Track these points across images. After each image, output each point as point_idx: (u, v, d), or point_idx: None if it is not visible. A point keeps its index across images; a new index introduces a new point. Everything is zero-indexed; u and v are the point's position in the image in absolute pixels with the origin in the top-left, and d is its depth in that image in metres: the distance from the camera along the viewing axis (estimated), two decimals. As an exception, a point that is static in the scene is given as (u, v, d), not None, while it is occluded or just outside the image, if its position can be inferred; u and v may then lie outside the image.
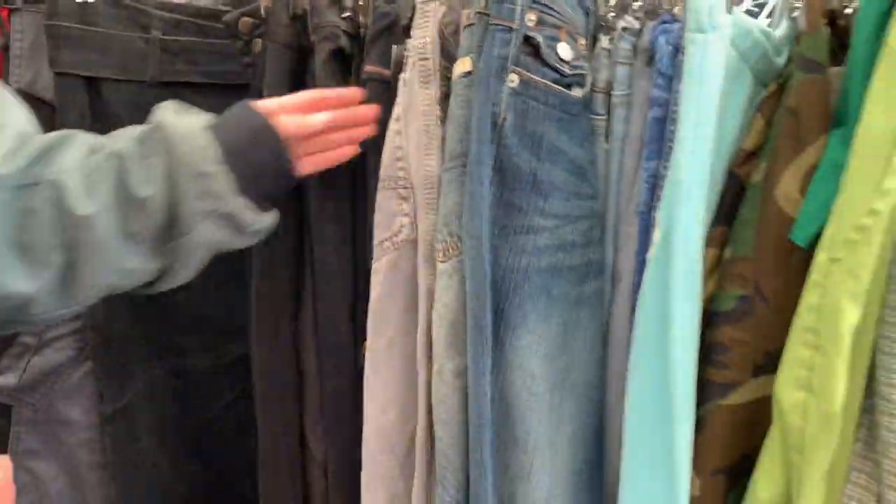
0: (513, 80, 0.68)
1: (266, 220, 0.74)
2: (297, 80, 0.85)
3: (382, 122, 0.81)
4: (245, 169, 0.70)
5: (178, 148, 0.66)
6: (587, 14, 0.74)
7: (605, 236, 0.75)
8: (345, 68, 0.84)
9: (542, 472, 0.73)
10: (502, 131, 0.68)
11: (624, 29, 0.71)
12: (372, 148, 0.81)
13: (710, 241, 0.67)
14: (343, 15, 0.82)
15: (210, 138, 0.68)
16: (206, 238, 0.69)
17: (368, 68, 0.82)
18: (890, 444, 0.60)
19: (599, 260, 0.74)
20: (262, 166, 0.71)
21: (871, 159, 0.56)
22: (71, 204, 0.62)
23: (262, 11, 0.83)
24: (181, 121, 0.69)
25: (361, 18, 0.83)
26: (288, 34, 0.83)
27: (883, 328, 0.60)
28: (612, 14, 0.73)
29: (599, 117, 0.74)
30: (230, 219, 0.69)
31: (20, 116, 0.65)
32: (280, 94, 0.81)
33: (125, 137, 0.68)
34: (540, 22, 0.69)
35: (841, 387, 0.56)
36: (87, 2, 0.90)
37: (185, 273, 0.71)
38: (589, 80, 0.72)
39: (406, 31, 0.81)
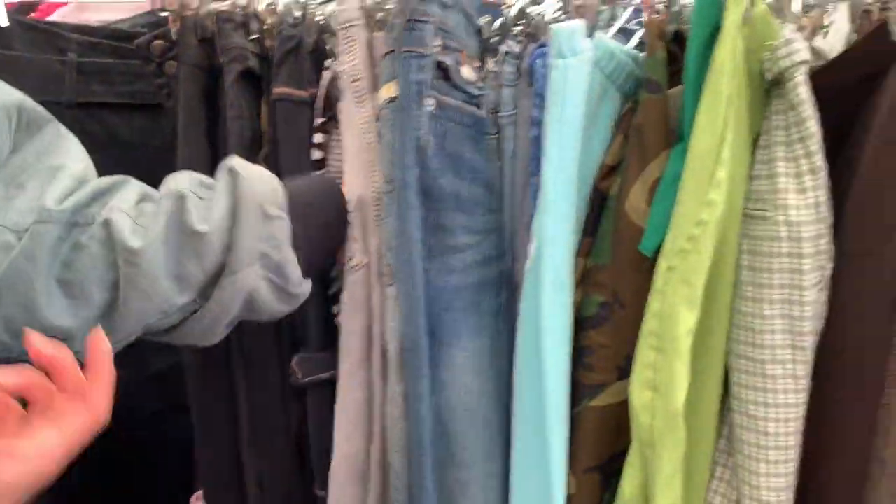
0: (430, 104, 0.72)
1: (307, 286, 0.72)
2: (210, 99, 0.89)
3: (299, 143, 0.85)
4: (305, 225, 0.70)
5: (248, 186, 0.65)
6: (478, 37, 0.78)
7: (507, 248, 0.78)
8: (255, 88, 0.88)
9: (477, 485, 0.76)
10: (426, 154, 0.72)
11: (506, 53, 0.75)
12: (286, 170, 0.83)
13: (579, 252, 0.71)
14: (250, 38, 0.86)
15: (279, 184, 0.68)
16: (250, 284, 0.65)
17: (278, 90, 0.86)
18: (742, 441, 0.64)
19: (508, 270, 0.77)
20: (320, 228, 0.73)
21: (699, 173, 0.61)
22: (121, 238, 0.60)
23: (173, 34, 0.86)
24: (252, 166, 0.68)
25: (268, 41, 0.87)
26: (198, 56, 0.87)
27: (732, 332, 0.64)
28: (496, 38, 0.77)
29: (492, 136, 0.77)
30: (278, 270, 0.67)
31: (79, 161, 0.64)
32: (195, 113, 0.85)
33: (186, 178, 0.66)
34: (445, 47, 0.73)
35: (681, 387, 0.60)
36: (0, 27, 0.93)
37: (213, 320, 0.66)
38: (487, 99, 0.76)
39: (313, 54, 0.85)
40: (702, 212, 0.59)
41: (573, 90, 0.66)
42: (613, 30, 0.74)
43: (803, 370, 0.62)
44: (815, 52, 0.67)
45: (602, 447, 0.70)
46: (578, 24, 0.67)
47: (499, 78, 0.76)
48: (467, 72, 0.75)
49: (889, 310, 0.61)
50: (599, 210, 0.70)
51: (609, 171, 0.69)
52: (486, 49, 0.78)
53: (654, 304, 0.62)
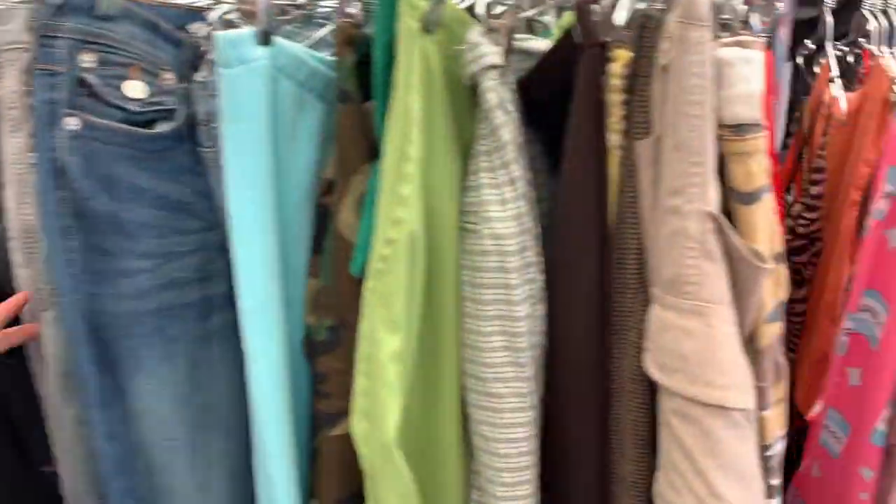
0: (72, 123, 0.66)
1: None
2: None
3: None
4: None
5: None
6: (178, 47, 0.70)
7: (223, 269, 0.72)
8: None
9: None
10: (70, 176, 0.66)
11: (213, 62, 0.67)
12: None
13: (309, 272, 0.66)
14: None
15: None
16: None
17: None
18: (480, 463, 0.62)
19: (226, 292, 0.71)
20: None
21: (387, 190, 0.57)
22: None
23: None
24: None
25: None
26: None
27: (462, 351, 0.60)
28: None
29: (208, 149, 0.71)
30: None
31: None
32: None
33: None
34: (102, 62, 0.67)
35: (391, 416, 0.57)
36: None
37: None
38: (181, 113, 0.70)
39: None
40: (389, 230, 0.56)
41: (247, 102, 0.60)
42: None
43: (527, 387, 0.60)
44: (527, 53, 0.63)
45: (350, 477, 0.66)
46: (246, 32, 0.62)
47: (208, 88, 0.69)
48: (132, 88, 0.69)
49: (596, 321, 0.60)
50: (324, 227, 0.66)
51: (329, 186, 0.65)
52: (197, 58, 0.71)
53: (362, 326, 0.58)
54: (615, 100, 0.58)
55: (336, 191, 0.63)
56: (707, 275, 0.53)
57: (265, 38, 0.61)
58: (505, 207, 0.58)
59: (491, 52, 0.57)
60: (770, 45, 0.62)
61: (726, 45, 0.53)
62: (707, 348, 0.54)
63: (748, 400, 0.55)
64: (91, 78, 0.66)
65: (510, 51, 0.59)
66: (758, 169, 0.54)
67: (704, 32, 0.51)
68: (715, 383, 0.54)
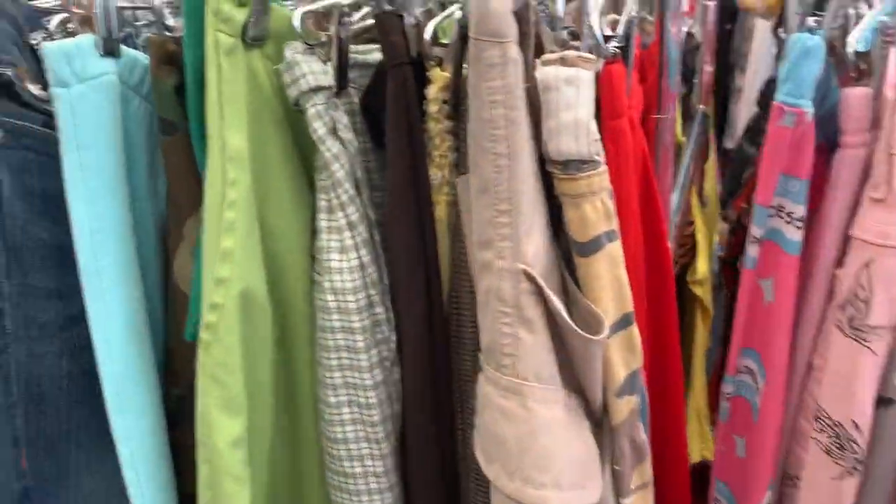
0: None
1: None
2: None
3: None
4: None
5: None
6: (32, 53, 0.61)
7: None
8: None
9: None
10: (1, 198, 0.54)
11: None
12: None
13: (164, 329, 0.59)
14: None
15: None
16: None
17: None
18: None
19: None
20: None
21: (209, 242, 0.49)
22: None
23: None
24: None
25: None
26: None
27: (318, 424, 0.54)
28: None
29: None
30: None
31: None
32: None
33: None
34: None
35: None
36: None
37: None
38: None
39: None
40: (213, 293, 0.48)
41: (91, 127, 0.53)
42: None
43: (383, 466, 0.52)
44: (369, 66, 0.55)
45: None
46: (85, 40, 0.53)
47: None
48: (37, 89, 0.58)
49: (430, 390, 0.51)
50: (168, 277, 0.58)
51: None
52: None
53: (197, 407, 0.50)
54: (436, 129, 0.49)
55: (170, 237, 0.56)
56: (524, 345, 0.43)
57: (109, 48, 0.53)
58: (344, 256, 0.50)
59: (312, 72, 0.49)
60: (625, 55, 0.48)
61: (547, 62, 0.42)
62: (526, 435, 0.44)
63: (581, 499, 0.44)
64: (3, 73, 0.56)
65: (345, 66, 0.52)
66: (594, 214, 0.44)
67: (504, 49, 0.41)
68: (533, 480, 0.44)
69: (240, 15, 0.50)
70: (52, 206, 0.56)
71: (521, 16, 0.41)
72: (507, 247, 0.43)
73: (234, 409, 0.50)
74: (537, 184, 0.45)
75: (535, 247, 0.43)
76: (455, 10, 0.51)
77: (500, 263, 0.43)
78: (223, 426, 0.49)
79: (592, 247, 0.44)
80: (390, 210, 0.50)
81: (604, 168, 0.44)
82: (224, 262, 0.48)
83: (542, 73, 0.43)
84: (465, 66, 0.47)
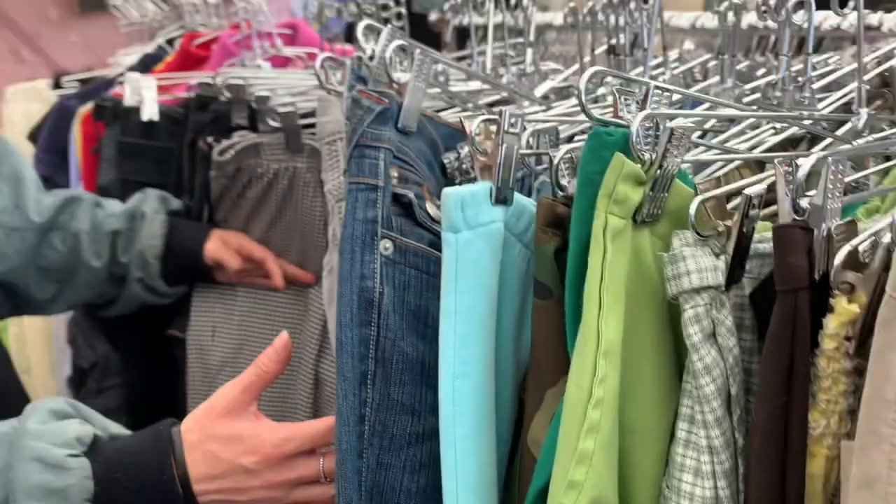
0: (387, 247, 0.58)
1: None
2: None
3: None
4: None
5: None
6: (444, 174, 0.67)
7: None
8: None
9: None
10: (380, 311, 0.57)
11: None
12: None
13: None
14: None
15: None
16: None
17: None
18: None
19: None
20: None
21: (566, 438, 0.46)
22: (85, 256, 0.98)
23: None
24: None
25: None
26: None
27: None
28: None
29: None
30: None
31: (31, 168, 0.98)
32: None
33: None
34: (402, 179, 0.61)
35: None
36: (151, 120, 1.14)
37: None
38: None
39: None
40: (564, 496, 0.44)
41: (471, 273, 0.54)
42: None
43: None
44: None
45: None
46: (481, 189, 0.55)
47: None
48: (433, 208, 0.62)
49: None
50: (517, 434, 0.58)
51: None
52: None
53: None
54: (830, 369, 0.40)
55: (528, 401, 0.55)
56: None
57: (502, 197, 0.54)
58: (698, 482, 0.45)
59: (698, 270, 0.45)
60: None
61: None
62: None
63: None
64: (407, 194, 0.59)
65: (741, 262, 0.46)
66: None
67: None
68: None
69: (635, 195, 0.47)
70: (422, 324, 0.59)
71: None
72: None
73: None
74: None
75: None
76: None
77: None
78: None
79: None
80: (752, 451, 0.44)
81: None
82: (580, 465, 0.45)
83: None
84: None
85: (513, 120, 0.54)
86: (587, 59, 0.83)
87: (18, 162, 1.02)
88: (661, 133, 0.47)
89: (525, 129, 0.58)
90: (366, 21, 0.69)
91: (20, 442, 0.61)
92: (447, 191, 0.54)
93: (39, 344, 1.57)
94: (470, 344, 0.54)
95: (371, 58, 0.66)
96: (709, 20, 0.84)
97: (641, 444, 0.50)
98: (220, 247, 1.02)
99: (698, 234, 0.47)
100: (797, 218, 0.44)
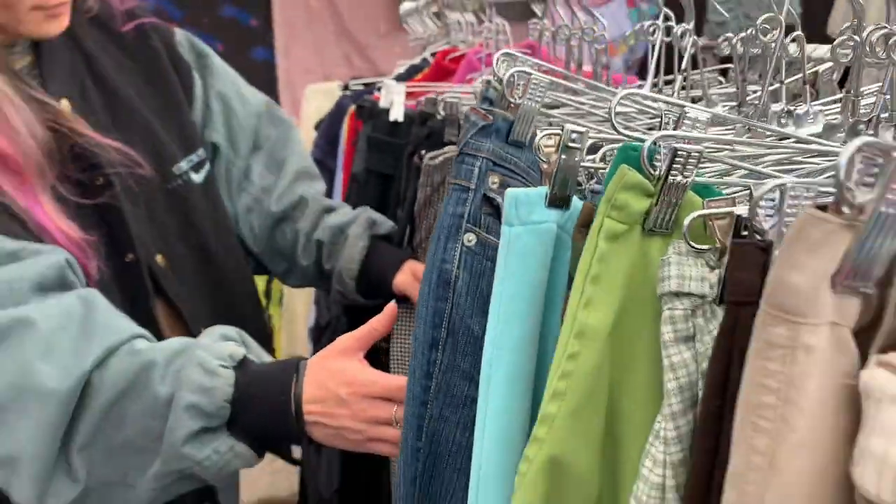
0: (470, 239, 0.70)
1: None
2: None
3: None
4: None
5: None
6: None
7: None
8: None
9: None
10: (455, 291, 0.69)
11: None
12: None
13: None
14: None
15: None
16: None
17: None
18: None
19: None
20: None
21: (543, 404, 0.54)
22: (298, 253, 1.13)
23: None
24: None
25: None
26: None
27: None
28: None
29: None
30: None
31: (299, 158, 1.22)
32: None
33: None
34: (502, 185, 0.70)
35: None
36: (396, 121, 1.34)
37: None
38: None
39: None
40: (528, 447, 0.53)
41: (518, 263, 0.62)
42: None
43: None
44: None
45: None
46: (537, 193, 0.63)
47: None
48: None
49: None
50: None
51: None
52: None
53: None
54: None
55: None
56: None
57: (555, 202, 0.62)
58: (654, 469, 0.49)
59: (680, 276, 0.48)
60: None
61: (885, 364, 0.34)
62: None
63: None
64: (497, 198, 0.69)
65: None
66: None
67: (796, 333, 0.35)
68: None
69: (638, 204, 0.52)
70: (487, 307, 0.66)
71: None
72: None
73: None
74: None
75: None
76: None
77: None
78: None
79: None
80: (692, 447, 0.47)
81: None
82: (542, 425, 0.53)
83: (869, 374, 0.35)
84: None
85: (574, 136, 0.61)
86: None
87: (289, 150, 1.20)
88: (667, 152, 0.52)
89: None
90: (505, 50, 0.78)
91: (192, 351, 0.80)
92: (508, 191, 0.63)
93: (301, 300, 1.89)
94: (506, 322, 0.62)
95: (500, 81, 0.76)
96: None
97: (632, 432, 0.54)
98: (409, 280, 1.08)
99: (691, 245, 0.50)
100: (759, 238, 0.46)
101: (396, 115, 1.41)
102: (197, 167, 1.11)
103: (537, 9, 1.27)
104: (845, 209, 0.35)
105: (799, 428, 0.36)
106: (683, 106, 0.56)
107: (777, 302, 0.37)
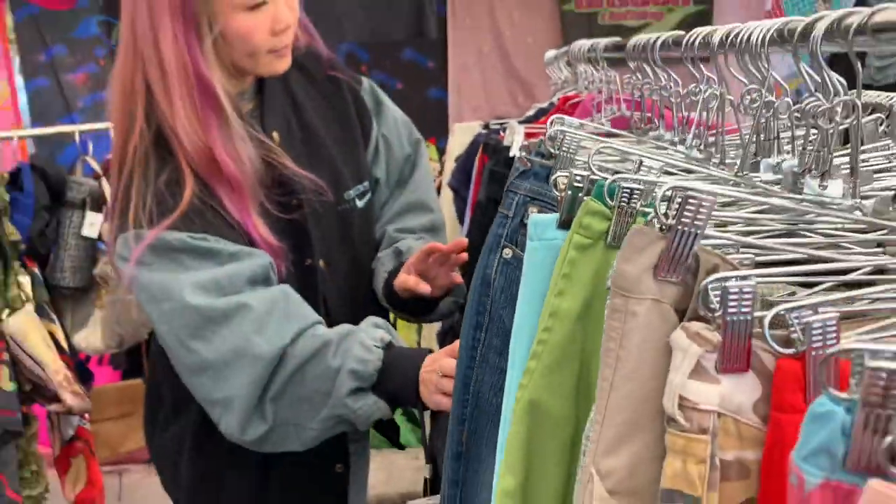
0: (507, 253, 0.93)
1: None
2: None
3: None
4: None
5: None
6: None
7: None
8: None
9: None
10: (492, 287, 0.94)
11: None
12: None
13: None
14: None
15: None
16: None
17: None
18: None
19: None
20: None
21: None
22: None
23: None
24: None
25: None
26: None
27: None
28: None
29: None
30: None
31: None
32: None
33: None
34: (541, 212, 0.90)
35: None
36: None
37: None
38: None
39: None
40: (518, 391, 0.77)
41: (533, 271, 0.85)
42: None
43: None
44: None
45: None
46: (551, 217, 0.84)
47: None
48: None
49: None
50: None
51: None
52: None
53: None
54: None
55: None
56: None
57: (566, 224, 0.81)
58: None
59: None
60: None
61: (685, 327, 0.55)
62: None
63: None
64: None
65: None
66: (670, 469, 0.53)
67: (626, 304, 0.56)
68: None
69: (598, 225, 0.73)
70: (515, 303, 0.90)
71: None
72: (591, 448, 0.58)
73: (513, 471, 0.76)
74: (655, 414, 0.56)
75: (618, 463, 0.56)
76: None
77: (584, 459, 0.58)
78: (503, 478, 0.77)
79: (665, 496, 0.53)
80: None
81: (686, 435, 0.53)
82: (525, 376, 0.75)
83: (676, 334, 0.55)
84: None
85: (578, 177, 0.83)
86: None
87: (415, 188, 1.53)
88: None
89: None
90: (558, 116, 1.01)
91: (356, 334, 1.19)
92: (533, 216, 0.86)
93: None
94: (524, 315, 0.85)
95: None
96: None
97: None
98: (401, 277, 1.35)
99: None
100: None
101: (514, 151, 1.65)
102: (361, 195, 1.44)
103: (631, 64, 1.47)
104: (660, 226, 0.56)
105: (627, 364, 0.56)
106: (641, 156, 0.76)
107: (617, 283, 0.57)
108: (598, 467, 0.57)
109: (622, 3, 4.13)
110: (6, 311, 2.01)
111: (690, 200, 0.54)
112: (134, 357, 2.51)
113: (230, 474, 1.33)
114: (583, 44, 1.78)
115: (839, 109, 0.67)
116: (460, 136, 2.16)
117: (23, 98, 3.74)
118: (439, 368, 1.15)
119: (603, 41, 1.67)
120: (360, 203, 1.43)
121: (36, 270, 2.18)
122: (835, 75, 0.67)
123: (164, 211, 1.17)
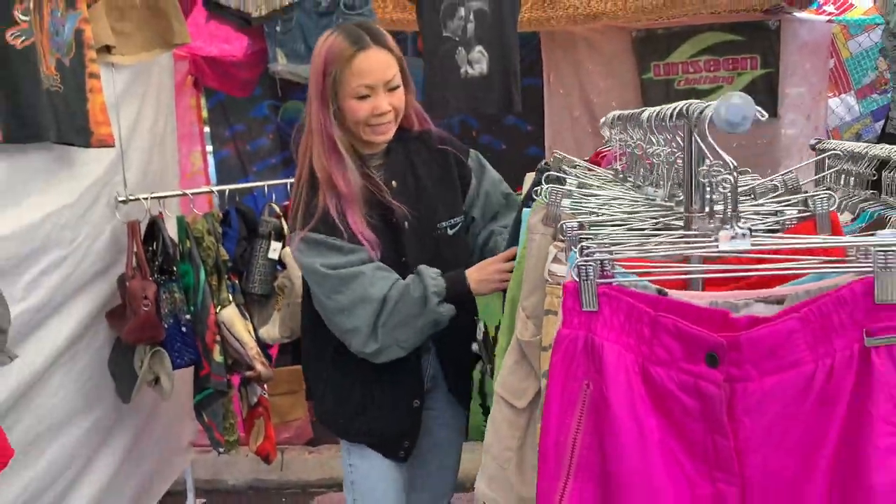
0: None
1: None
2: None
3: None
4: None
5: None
6: None
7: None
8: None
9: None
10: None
11: None
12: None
13: None
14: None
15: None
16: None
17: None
18: None
19: None
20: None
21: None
22: None
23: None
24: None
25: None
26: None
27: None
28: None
29: None
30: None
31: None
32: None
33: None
34: None
35: None
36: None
37: None
38: None
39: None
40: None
41: (534, 258, 1.65)
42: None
43: None
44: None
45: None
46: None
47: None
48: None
49: None
50: None
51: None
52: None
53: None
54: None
55: None
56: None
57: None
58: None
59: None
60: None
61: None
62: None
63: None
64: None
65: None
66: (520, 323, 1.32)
67: (532, 232, 1.36)
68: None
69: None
70: None
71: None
72: (521, 297, 1.37)
73: (504, 335, 1.56)
74: (542, 280, 1.35)
75: (529, 303, 1.34)
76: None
77: (520, 305, 1.37)
78: (502, 338, 1.57)
79: (546, 313, 1.32)
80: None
81: (552, 287, 1.30)
82: (510, 287, 1.55)
83: (550, 245, 1.33)
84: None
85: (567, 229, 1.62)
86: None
87: (502, 219, 2.36)
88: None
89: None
90: (551, 172, 1.81)
91: (422, 273, 2.05)
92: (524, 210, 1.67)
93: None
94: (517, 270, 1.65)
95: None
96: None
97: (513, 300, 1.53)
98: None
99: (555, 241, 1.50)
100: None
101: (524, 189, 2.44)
102: (452, 226, 2.22)
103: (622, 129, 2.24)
104: (547, 203, 1.36)
105: (531, 261, 1.35)
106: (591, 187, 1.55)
107: (530, 227, 1.37)
108: (523, 305, 1.36)
109: (696, 69, 4.66)
110: (220, 307, 2.95)
111: (554, 192, 1.33)
112: (299, 348, 3.41)
113: (350, 380, 2.21)
114: (611, 114, 2.56)
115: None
116: (528, 184, 2.97)
117: (212, 164, 4.84)
118: (477, 267, 2.04)
119: (617, 112, 2.44)
120: (450, 231, 2.21)
121: (235, 282, 3.12)
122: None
123: (308, 220, 2.03)
